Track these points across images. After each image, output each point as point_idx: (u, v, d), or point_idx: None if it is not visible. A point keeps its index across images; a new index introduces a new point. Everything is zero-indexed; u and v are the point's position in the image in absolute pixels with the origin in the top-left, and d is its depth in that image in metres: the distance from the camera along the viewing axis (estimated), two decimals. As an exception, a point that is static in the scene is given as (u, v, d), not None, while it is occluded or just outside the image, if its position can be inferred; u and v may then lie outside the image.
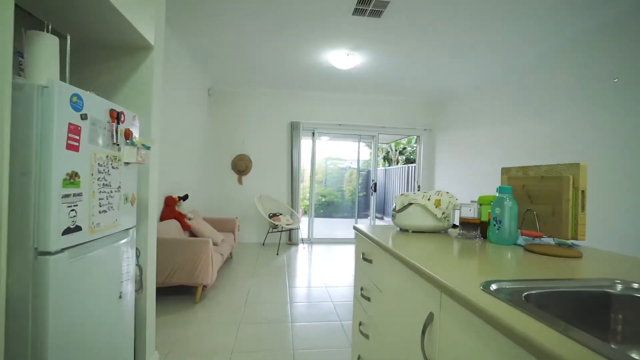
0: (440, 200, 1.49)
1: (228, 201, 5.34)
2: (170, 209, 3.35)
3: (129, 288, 1.57)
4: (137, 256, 1.69)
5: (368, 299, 1.43)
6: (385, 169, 11.47)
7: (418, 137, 5.88)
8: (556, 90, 3.37)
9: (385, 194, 11.46)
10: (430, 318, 0.86)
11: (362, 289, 1.53)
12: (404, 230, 1.55)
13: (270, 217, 5.04)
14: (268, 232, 5.20)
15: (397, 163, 11.16)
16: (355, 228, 1.71)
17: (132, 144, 1.50)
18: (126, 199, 1.51)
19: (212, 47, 3.79)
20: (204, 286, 2.77)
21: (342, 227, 8.32)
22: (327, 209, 10.55)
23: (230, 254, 4.18)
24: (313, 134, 5.58)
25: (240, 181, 5.34)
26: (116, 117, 1.37)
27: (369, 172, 12.15)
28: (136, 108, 1.66)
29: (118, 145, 1.42)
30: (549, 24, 2.92)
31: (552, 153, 3.35)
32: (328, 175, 11.62)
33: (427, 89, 5.09)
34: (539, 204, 1.25)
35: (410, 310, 1.00)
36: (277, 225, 4.76)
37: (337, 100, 5.61)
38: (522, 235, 1.25)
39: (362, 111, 5.64)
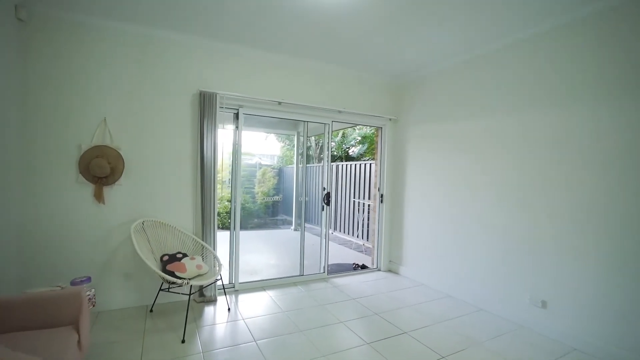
0: None
1: (71, 244, 2.75)
2: None
3: None
4: None
5: None
6: (306, 167, 9.85)
7: (380, 128, 4.39)
8: (568, 77, 2.38)
9: (307, 195, 9.74)
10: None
11: None
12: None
13: (164, 266, 2.73)
14: (160, 290, 2.87)
15: (320, 161, 9.67)
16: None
17: None
18: None
19: None
20: None
21: (266, 245, 6.26)
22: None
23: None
24: (237, 114, 3.44)
25: (99, 197, 2.81)
26: None
27: (281, 170, 10.40)
28: None
29: None
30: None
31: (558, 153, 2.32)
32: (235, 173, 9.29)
33: (400, 62, 3.62)
34: None
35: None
36: (179, 282, 2.52)
37: (279, 66, 3.60)
38: None
39: (311, 87, 3.79)
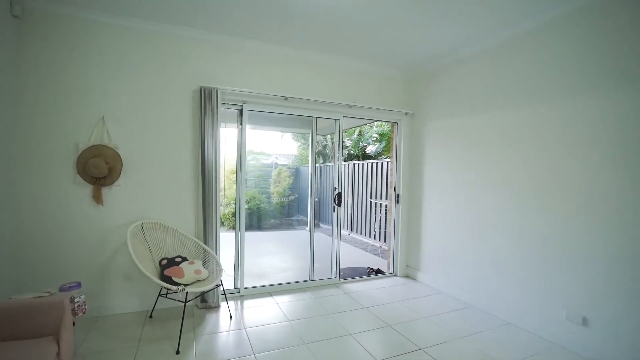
0: None
1: (69, 246, 2.66)
2: None
3: None
4: None
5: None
6: (321, 166, 9.70)
7: (395, 123, 4.10)
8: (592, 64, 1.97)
9: (322, 195, 9.61)
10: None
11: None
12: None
13: (162, 271, 2.60)
14: (159, 295, 2.74)
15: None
16: None
17: None
18: None
19: None
20: None
21: (279, 247, 6.11)
22: (251, 218, 8.15)
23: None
24: (240, 111, 3.27)
25: (98, 198, 2.71)
26: None
27: (297, 169, 10.23)
28: None
29: None
30: None
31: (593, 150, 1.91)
32: (249, 173, 9.23)
33: (414, 53, 3.32)
34: None
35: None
36: (174, 289, 2.36)
37: (284, 60, 3.40)
38: None
39: (319, 81, 3.57)
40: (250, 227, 7.98)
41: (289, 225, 8.62)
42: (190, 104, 3.02)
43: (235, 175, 3.73)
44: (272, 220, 8.71)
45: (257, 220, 8.33)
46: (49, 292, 2.08)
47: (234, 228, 3.38)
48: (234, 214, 7.07)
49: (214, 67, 3.10)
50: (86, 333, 2.46)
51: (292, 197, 8.86)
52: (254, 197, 8.33)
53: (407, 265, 4.07)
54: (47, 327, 1.75)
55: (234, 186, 3.40)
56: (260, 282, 3.68)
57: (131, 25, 2.80)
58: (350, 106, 3.66)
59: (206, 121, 2.93)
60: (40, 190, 2.58)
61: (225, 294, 2.98)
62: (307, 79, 3.50)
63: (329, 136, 9.34)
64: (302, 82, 3.47)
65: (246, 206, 8.48)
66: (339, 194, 3.80)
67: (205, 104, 2.93)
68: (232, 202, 6.11)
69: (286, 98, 3.32)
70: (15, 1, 2.45)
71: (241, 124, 3.28)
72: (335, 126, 3.78)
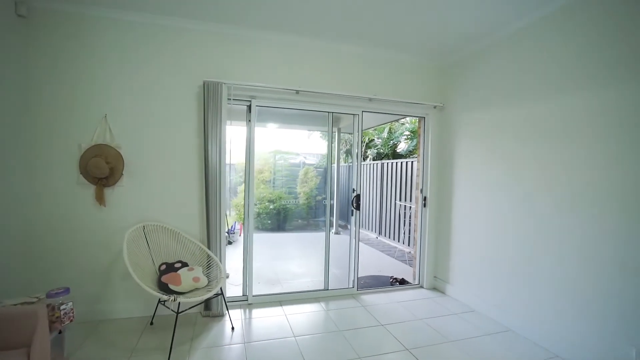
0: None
1: (72, 247, 2.61)
2: None
3: None
4: None
5: None
6: (348, 166, 9.34)
7: (422, 118, 3.68)
8: None
9: (349, 195, 9.12)
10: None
11: None
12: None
13: (160, 277, 2.46)
14: (159, 302, 2.61)
15: (365, 159, 9.05)
16: None
17: None
18: None
19: None
20: None
21: (301, 250, 5.90)
22: (277, 219, 8.00)
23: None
24: (249, 107, 3.07)
25: (100, 199, 2.64)
26: None
27: (325, 169, 9.95)
28: None
29: None
30: None
31: None
32: (277, 173, 9.12)
33: (443, 37, 2.89)
34: None
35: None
36: (165, 298, 2.18)
37: (296, 51, 3.15)
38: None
39: (335, 73, 3.27)
40: (276, 228, 7.86)
41: (316, 227, 8.36)
42: (195, 100, 2.87)
43: (262, 174, 3.55)
44: (298, 221, 8.52)
45: (282, 221, 8.18)
46: (37, 297, 1.99)
47: (260, 228, 3.19)
48: (259, 214, 6.99)
49: (220, 61, 2.92)
50: (84, 339, 2.38)
51: (319, 198, 8.61)
52: (281, 197, 8.17)
53: (435, 277, 3.64)
54: (21, 338, 1.63)
55: (261, 185, 3.21)
56: (275, 289, 3.48)
57: (134, 20, 2.69)
58: (371, 100, 3.31)
59: (209, 118, 2.75)
60: (43, 191, 2.55)
61: (226, 302, 2.78)
62: (321, 71, 3.21)
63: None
64: (316, 75, 3.19)
65: (272, 206, 8.31)
66: (358, 196, 3.47)
67: (209, 100, 2.75)
68: (256, 202, 5.98)
69: (297, 92, 3.06)
70: (21, 1, 2.43)
71: (250, 120, 3.07)
72: (354, 122, 3.45)
